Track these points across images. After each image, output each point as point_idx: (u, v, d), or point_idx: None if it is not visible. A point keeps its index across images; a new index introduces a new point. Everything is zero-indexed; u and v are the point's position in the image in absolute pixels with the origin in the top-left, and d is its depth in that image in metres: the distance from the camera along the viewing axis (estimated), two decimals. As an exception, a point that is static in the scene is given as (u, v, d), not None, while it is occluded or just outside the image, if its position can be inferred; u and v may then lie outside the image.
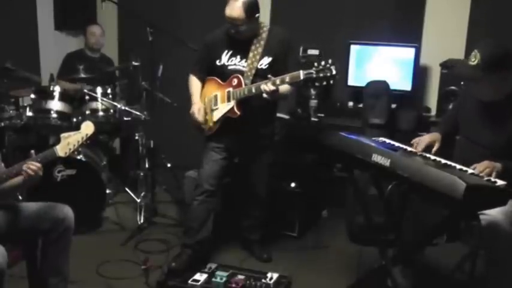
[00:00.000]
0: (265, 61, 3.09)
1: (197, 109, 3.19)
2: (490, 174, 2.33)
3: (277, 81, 2.89)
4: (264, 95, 2.94)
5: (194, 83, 3.28)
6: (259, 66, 3.08)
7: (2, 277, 2.18)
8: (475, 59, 2.48)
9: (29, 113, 3.80)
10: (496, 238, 2.42)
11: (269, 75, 2.93)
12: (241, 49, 3.10)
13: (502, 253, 2.47)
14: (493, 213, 2.37)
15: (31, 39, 4.80)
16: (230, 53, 3.12)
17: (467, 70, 2.53)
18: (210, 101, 3.20)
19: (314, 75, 2.79)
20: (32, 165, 2.34)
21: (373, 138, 2.83)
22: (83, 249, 3.21)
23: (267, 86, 2.90)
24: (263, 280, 3.00)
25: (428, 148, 2.72)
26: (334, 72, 2.77)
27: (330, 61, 2.78)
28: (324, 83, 2.79)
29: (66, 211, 2.51)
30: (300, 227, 3.76)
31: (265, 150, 3.33)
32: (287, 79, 2.87)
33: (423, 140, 2.75)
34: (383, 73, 4.12)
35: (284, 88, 3.01)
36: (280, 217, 3.75)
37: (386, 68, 4.17)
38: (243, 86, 3.04)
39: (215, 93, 3.17)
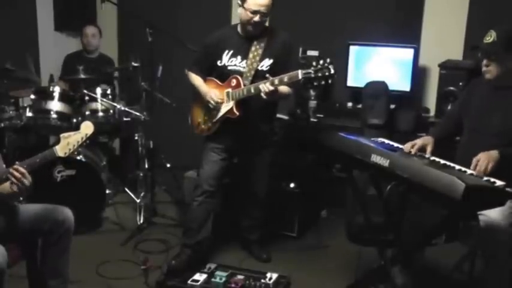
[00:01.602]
0: (266, 63, 3.08)
1: (214, 93, 3.11)
2: (487, 167, 2.33)
3: (276, 82, 2.88)
4: (263, 96, 2.92)
5: (196, 77, 3.23)
6: (259, 68, 3.07)
7: (2, 277, 2.18)
8: (490, 38, 2.53)
9: (29, 114, 3.79)
10: (494, 239, 2.43)
11: (267, 75, 2.92)
12: (242, 49, 3.10)
13: (500, 254, 2.48)
14: (492, 214, 2.38)
15: (31, 40, 4.80)
16: (231, 53, 3.12)
17: (483, 46, 2.57)
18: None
19: (313, 75, 2.77)
20: (17, 171, 2.24)
21: (372, 139, 2.84)
22: (83, 249, 3.21)
23: (265, 86, 2.89)
24: (262, 280, 3.01)
25: (420, 151, 2.70)
26: (332, 71, 2.76)
27: (328, 60, 2.76)
28: (323, 82, 2.78)
29: (66, 213, 2.50)
30: (300, 227, 3.76)
31: (265, 147, 3.33)
32: (285, 79, 2.86)
33: (416, 143, 2.71)
34: (382, 74, 4.13)
35: (284, 88, 3.01)
36: (279, 217, 3.76)
37: (385, 68, 4.17)
38: (242, 86, 3.04)
39: (214, 94, 3.17)
